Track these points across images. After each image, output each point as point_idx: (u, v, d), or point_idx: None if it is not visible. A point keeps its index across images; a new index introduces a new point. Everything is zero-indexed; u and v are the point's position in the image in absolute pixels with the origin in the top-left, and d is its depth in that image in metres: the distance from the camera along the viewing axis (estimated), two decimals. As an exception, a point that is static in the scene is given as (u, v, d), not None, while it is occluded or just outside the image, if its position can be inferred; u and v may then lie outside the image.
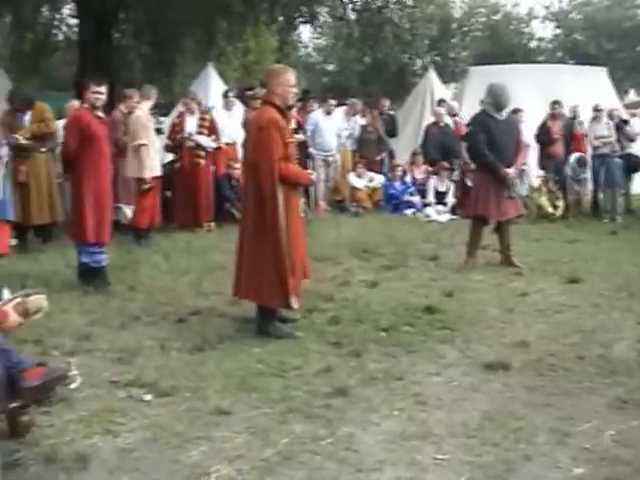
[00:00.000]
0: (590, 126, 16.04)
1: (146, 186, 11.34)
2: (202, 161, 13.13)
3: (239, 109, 15.02)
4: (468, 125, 13.27)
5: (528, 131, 15.12)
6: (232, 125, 14.34)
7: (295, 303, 7.05)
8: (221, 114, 14.48)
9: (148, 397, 5.58)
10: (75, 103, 11.93)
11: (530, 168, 16.47)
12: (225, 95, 15.06)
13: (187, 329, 7.30)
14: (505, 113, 10.29)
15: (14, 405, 4.98)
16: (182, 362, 6.32)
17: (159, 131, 12.55)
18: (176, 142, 13.12)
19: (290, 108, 7.47)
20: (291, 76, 7.15)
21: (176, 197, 13.12)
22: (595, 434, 5.06)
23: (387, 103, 18.11)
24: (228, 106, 14.70)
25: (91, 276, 8.63)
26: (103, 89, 8.66)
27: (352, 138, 16.67)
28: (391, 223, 13.95)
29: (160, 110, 14.03)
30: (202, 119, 13.24)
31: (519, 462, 4.63)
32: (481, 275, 9.76)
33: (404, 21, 30.84)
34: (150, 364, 6.21)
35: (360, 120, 17.26)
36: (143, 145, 11.19)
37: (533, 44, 47.93)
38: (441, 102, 17.94)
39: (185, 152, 13.06)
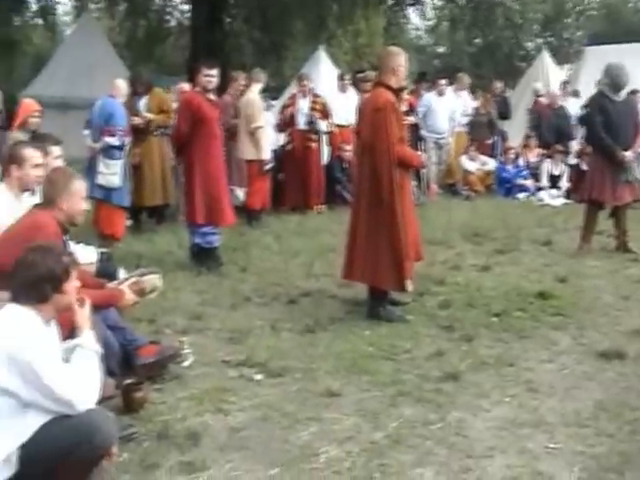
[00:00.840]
0: None
1: (267, 167, 11.52)
2: (314, 144, 13.18)
3: (352, 92, 14.99)
4: (585, 107, 12.98)
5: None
6: (347, 107, 14.31)
7: (410, 286, 7.03)
8: (336, 96, 14.46)
9: (259, 377, 5.64)
10: (184, 86, 12.10)
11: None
12: (341, 78, 15.03)
13: (298, 310, 7.35)
14: (623, 94, 10.00)
15: (129, 381, 5.11)
16: (293, 343, 6.37)
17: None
18: (286, 123, 13.16)
19: (402, 90, 7.50)
20: (403, 58, 7.11)
21: (287, 179, 13.19)
22: None
23: (499, 85, 17.82)
24: (343, 88, 14.67)
25: (204, 257, 8.75)
26: (215, 72, 8.75)
27: (465, 116, 16.45)
28: (503, 207, 13.76)
29: (270, 93, 14.09)
30: (314, 102, 13.24)
31: (635, 454, 4.50)
32: (596, 261, 9.53)
33: (515, 3, 30.28)
34: (261, 344, 6.27)
35: (468, 97, 17.05)
36: (260, 127, 11.26)
37: (654, 22, 46.43)
38: (565, 84, 17.54)
39: (296, 135, 13.12)
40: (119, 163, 9.76)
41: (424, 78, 17.59)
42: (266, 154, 11.50)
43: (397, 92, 7.11)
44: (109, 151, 9.77)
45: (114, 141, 9.75)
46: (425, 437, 4.70)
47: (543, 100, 17.15)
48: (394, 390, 5.37)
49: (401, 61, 7.08)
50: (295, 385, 5.49)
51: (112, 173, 9.65)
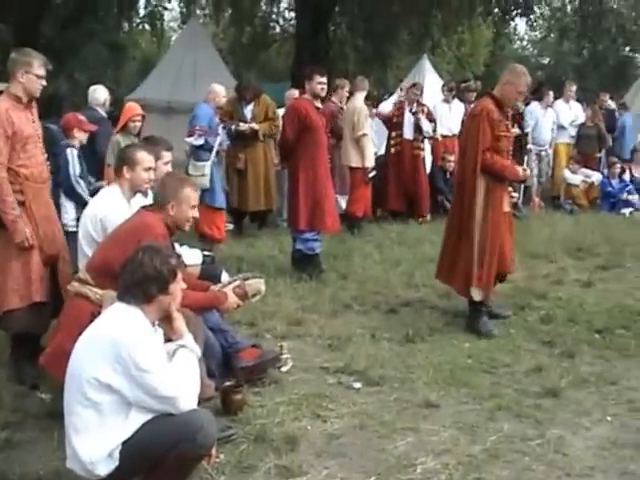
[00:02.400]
0: None
1: (371, 174, 11.50)
2: (422, 152, 13.16)
3: (457, 102, 14.92)
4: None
5: None
6: (451, 117, 14.26)
7: (477, 295, 6.92)
8: (441, 106, 14.42)
9: (357, 385, 5.66)
10: (295, 92, 12.16)
11: None
12: (447, 88, 14.95)
13: (397, 320, 7.34)
14: None
15: (228, 383, 5.19)
16: (392, 352, 6.36)
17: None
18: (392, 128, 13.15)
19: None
20: (524, 82, 7.02)
21: (391, 187, 13.09)
22: None
23: (606, 97, 17.50)
24: (448, 98, 14.61)
25: (305, 263, 8.81)
26: (325, 79, 8.82)
27: (574, 126, 16.21)
28: (608, 222, 13.46)
29: (373, 102, 14.08)
30: (421, 106, 13.17)
31: None
32: None
33: (628, 10, 29.68)
34: (360, 352, 6.27)
35: (579, 107, 16.79)
36: (365, 135, 11.29)
37: None
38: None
39: (405, 143, 13.07)
40: (207, 164, 9.78)
41: (542, 88, 17.37)
42: (370, 162, 11.50)
43: (501, 103, 6.98)
44: (197, 152, 9.84)
45: (192, 140, 9.80)
46: (523, 453, 4.66)
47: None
48: (492, 404, 5.33)
49: (517, 82, 6.96)
50: (393, 394, 5.49)
51: (201, 175, 9.69)
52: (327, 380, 5.76)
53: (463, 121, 13.97)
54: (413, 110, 12.90)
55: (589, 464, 4.54)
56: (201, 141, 9.81)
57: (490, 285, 7.05)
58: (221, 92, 10.45)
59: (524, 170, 7.66)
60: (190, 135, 9.88)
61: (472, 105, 14.24)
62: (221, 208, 10.16)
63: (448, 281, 7.36)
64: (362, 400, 5.40)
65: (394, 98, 14.28)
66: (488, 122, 6.79)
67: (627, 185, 15.25)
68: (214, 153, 9.90)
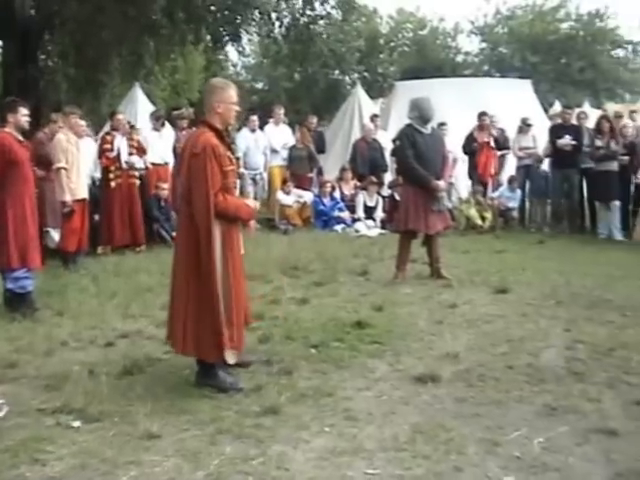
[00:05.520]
0: (516, 137, 16.41)
1: (66, 210, 10.98)
2: (137, 181, 13.14)
3: (169, 129, 14.95)
4: (395, 140, 13.44)
5: (456, 144, 15.44)
6: (162, 145, 14.27)
7: (231, 358, 6.16)
8: (151, 135, 14.40)
9: (77, 423, 5.48)
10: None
11: (458, 181, 16.81)
12: (154, 116, 14.95)
13: (115, 353, 7.18)
14: (430, 127, 10.38)
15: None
16: (111, 386, 6.19)
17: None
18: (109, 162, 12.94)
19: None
20: (234, 92, 6.34)
21: (113, 218, 12.91)
22: (524, 442, 5.13)
23: (314, 120, 18.18)
24: (157, 127, 14.60)
25: (17, 302, 8.47)
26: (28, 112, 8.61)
27: (285, 149, 16.70)
28: (321, 239, 13.97)
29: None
30: (131, 139, 13.14)
31: (450, 474, 4.67)
32: (410, 288, 9.85)
33: (333, 36, 30.88)
34: (78, 390, 6.07)
35: (288, 130, 17.37)
36: (62, 169, 10.98)
37: (460, 58, 48.49)
38: (374, 117, 18.06)
39: (122, 172, 12.92)
40: None
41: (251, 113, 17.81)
42: (70, 195, 10.93)
43: (222, 133, 6.27)
44: None
45: None
46: (246, 473, 4.70)
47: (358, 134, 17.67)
48: (214, 428, 5.35)
49: (230, 95, 6.28)
50: (114, 429, 5.37)
51: None
52: (45, 422, 5.53)
53: (174, 148, 14.13)
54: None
55: (310, 475, 4.66)
56: None
57: (242, 344, 6.38)
58: None
59: (254, 202, 7.25)
60: None
61: (184, 132, 14.45)
62: None
63: (189, 350, 6.24)
64: (82, 438, 5.24)
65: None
66: (215, 160, 5.99)
67: (338, 203, 15.90)
68: None
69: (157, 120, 14.67)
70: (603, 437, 5.20)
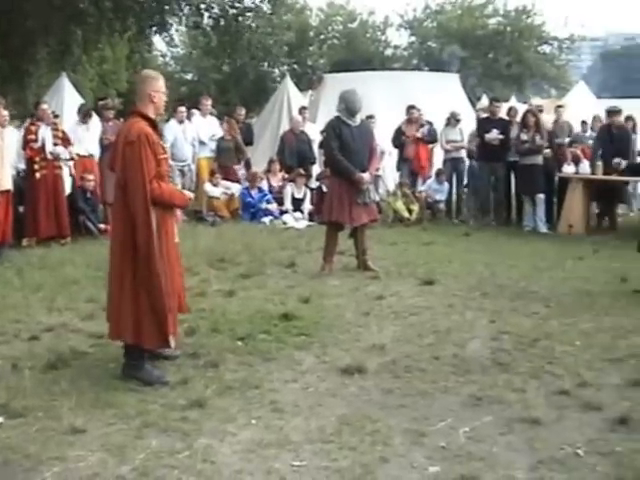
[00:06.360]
0: (443, 131, 16.53)
1: None
2: (61, 172, 12.93)
3: (96, 121, 14.73)
4: (322, 132, 13.46)
5: (384, 137, 15.52)
6: (89, 137, 14.08)
7: (173, 342, 6.31)
8: (76, 126, 14.18)
9: (-1, 419, 5.39)
10: None
11: (386, 173, 16.90)
12: (81, 112, 14.69)
13: (40, 347, 7.04)
14: (359, 119, 10.39)
15: None
16: (35, 381, 6.08)
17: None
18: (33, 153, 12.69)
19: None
20: (163, 82, 6.46)
21: (38, 210, 12.68)
22: (449, 432, 5.18)
23: (243, 112, 18.11)
24: (84, 118, 14.38)
25: None
26: None
27: (213, 140, 16.62)
28: (249, 231, 13.92)
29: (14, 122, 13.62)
30: (55, 129, 12.92)
31: (376, 464, 4.68)
32: (338, 280, 9.86)
33: (262, 29, 30.79)
34: (1, 385, 5.97)
35: (216, 122, 17.29)
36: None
37: (389, 52, 48.58)
38: (303, 110, 18.05)
39: (47, 163, 12.69)
40: None
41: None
42: None
43: (154, 122, 6.35)
44: None
45: None
46: (172, 467, 4.65)
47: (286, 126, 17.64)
48: (139, 422, 5.29)
49: (158, 86, 6.37)
50: (37, 424, 5.27)
51: None
52: (-34, 419, 5.42)
53: (101, 139, 13.97)
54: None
55: (236, 468, 4.64)
56: None
57: (177, 328, 6.49)
58: None
59: (189, 192, 7.42)
60: None
61: (110, 123, 14.27)
62: None
63: (125, 336, 6.21)
64: (5, 434, 5.13)
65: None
66: (150, 147, 6.04)
67: (265, 195, 15.86)
68: None
69: (84, 116, 14.42)
70: (526, 426, 5.27)
